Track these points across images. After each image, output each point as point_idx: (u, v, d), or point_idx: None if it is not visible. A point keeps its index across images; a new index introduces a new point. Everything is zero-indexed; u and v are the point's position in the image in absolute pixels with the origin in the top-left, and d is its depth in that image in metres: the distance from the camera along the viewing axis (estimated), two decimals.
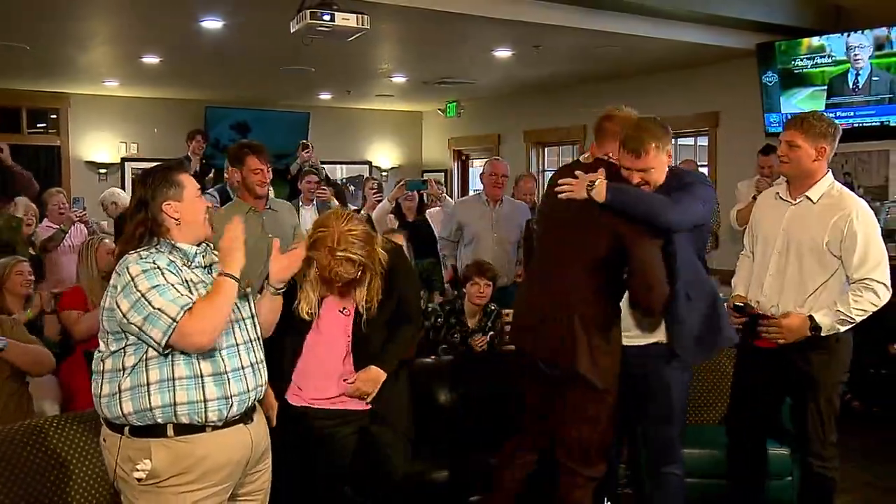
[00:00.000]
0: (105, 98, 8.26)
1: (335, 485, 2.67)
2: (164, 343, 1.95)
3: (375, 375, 2.60)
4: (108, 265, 3.87)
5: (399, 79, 7.62)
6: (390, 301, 2.58)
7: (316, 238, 2.41)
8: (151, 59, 6.42)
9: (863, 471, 4.02)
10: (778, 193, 2.97)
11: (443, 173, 9.95)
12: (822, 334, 2.69)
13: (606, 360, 2.58)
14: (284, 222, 3.74)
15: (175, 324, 1.93)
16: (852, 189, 5.60)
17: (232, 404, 2.05)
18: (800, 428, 2.89)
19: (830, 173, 2.87)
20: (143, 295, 1.95)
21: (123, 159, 8.44)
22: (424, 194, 6.02)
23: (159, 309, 1.94)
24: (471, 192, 9.13)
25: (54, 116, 8.28)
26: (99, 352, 2.08)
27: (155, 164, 2.28)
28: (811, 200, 2.84)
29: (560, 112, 7.97)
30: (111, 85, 7.80)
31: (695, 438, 3.45)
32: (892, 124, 5.35)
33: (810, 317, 2.72)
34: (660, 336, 2.73)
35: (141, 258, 2.02)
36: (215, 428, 2.04)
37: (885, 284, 2.70)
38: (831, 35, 5.52)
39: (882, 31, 5.24)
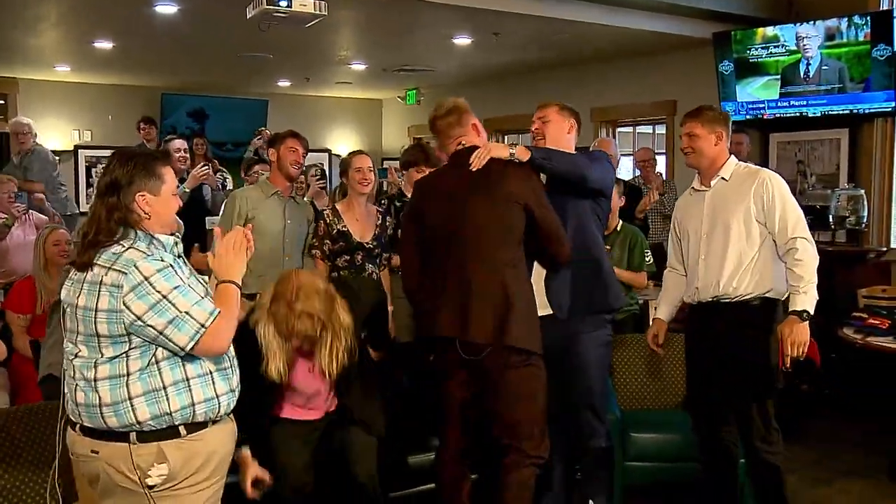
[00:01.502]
0: (56, 84, 8.02)
1: (301, 486, 2.61)
2: (189, 347, 1.90)
3: None
4: (55, 256, 3.76)
5: (358, 66, 7.58)
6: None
7: (276, 293, 2.39)
8: (103, 44, 6.24)
9: (809, 451, 4.11)
10: (693, 188, 3.08)
11: None
12: (810, 312, 2.70)
13: (536, 327, 2.63)
14: (304, 215, 3.82)
15: (204, 329, 1.89)
16: (805, 177, 5.86)
17: (235, 397, 2.07)
18: (743, 413, 2.92)
19: (734, 157, 2.99)
20: (164, 297, 1.88)
21: (77, 147, 8.22)
22: (384, 182, 5.94)
23: (187, 313, 1.89)
24: None
25: (2, 102, 8.02)
26: (82, 357, 1.95)
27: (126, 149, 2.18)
28: (724, 179, 2.96)
29: (519, 100, 7.96)
30: (62, 70, 7.58)
31: (660, 422, 3.53)
32: (842, 113, 5.42)
33: (791, 311, 2.72)
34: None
35: (147, 255, 1.92)
36: (215, 422, 2.03)
37: (808, 239, 2.80)
38: (784, 25, 5.58)
39: (833, 22, 5.31)
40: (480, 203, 2.61)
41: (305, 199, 4.97)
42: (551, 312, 2.79)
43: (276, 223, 3.61)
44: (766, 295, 2.87)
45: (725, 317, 2.90)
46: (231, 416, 2.11)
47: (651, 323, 3.23)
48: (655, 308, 3.29)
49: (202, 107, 8.48)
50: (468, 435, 2.73)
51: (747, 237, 2.87)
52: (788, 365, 2.73)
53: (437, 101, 2.87)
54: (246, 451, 2.38)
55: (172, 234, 2.07)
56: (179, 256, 2.07)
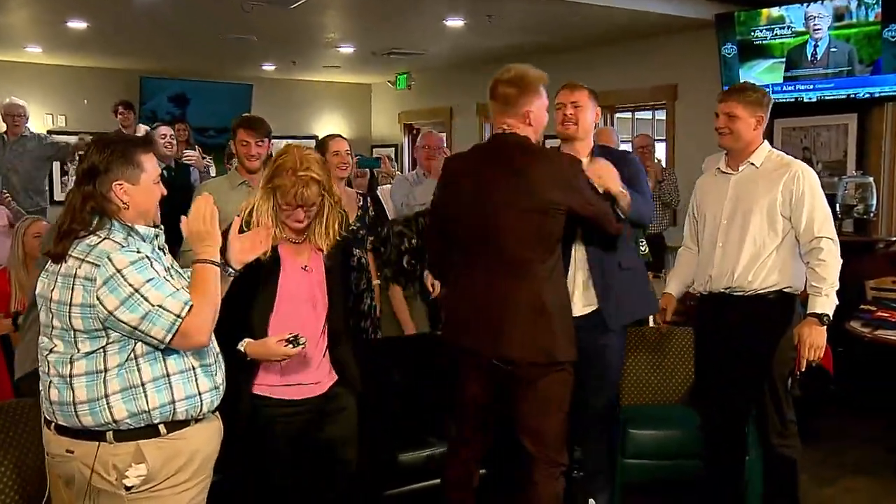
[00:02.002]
0: (27, 65, 7.89)
1: (284, 476, 2.54)
2: (168, 340, 1.88)
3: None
4: (35, 250, 3.68)
5: (346, 49, 7.52)
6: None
7: (277, 165, 2.37)
8: (77, 24, 6.13)
9: (814, 449, 4.03)
10: (718, 168, 3.02)
11: (393, 148, 9.91)
12: (830, 317, 2.70)
13: (572, 334, 2.57)
14: None
15: (180, 321, 1.86)
16: (811, 164, 5.78)
17: (219, 394, 2.05)
18: (758, 406, 2.92)
19: (767, 142, 2.94)
20: (136, 290, 1.84)
21: (50, 132, 8.04)
22: (376, 171, 5.89)
23: (160, 306, 1.85)
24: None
25: None
26: (57, 352, 1.92)
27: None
28: (754, 166, 2.91)
29: None
30: (33, 51, 7.46)
31: (659, 418, 3.51)
32: (850, 97, 5.39)
33: (810, 314, 2.70)
34: (594, 305, 2.85)
35: (122, 246, 1.89)
36: (198, 420, 2.00)
37: (834, 239, 2.78)
38: (791, 5, 5.54)
39: (842, 2, 5.26)
40: (517, 213, 2.45)
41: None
42: (581, 314, 2.78)
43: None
44: (783, 289, 2.85)
45: (739, 310, 2.87)
46: (216, 413, 2.08)
47: (660, 297, 3.18)
48: (665, 283, 3.26)
49: (183, 91, 8.41)
50: (487, 438, 2.69)
51: (769, 229, 2.84)
52: (803, 368, 2.72)
53: (510, 66, 2.59)
54: (250, 346, 2.32)
55: (155, 226, 2.03)
56: (161, 249, 2.03)
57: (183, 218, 2.06)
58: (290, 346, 2.25)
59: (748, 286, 2.86)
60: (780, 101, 5.62)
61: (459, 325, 2.58)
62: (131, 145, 1.98)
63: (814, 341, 2.69)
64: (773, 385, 2.88)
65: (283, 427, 2.46)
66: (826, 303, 2.70)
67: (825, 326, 2.69)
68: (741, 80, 5.78)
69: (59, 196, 7.37)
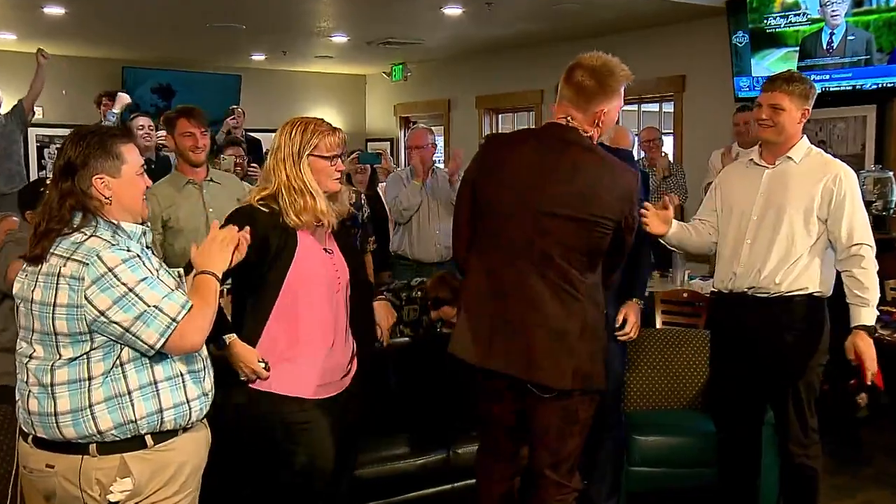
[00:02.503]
0: (1, 53, 7.81)
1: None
2: (159, 345, 1.86)
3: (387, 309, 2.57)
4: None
5: (340, 38, 7.49)
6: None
7: (298, 130, 2.37)
8: (54, 10, 6.07)
9: (829, 458, 3.90)
10: (752, 160, 2.96)
11: (388, 142, 9.88)
12: (876, 329, 2.74)
13: (605, 356, 2.47)
14: (231, 196, 3.53)
15: (175, 324, 1.85)
16: None
17: (209, 401, 2.05)
18: (780, 415, 2.90)
19: (806, 137, 2.91)
20: (131, 289, 1.83)
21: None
22: (377, 167, 5.82)
23: (155, 307, 1.84)
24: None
25: None
26: (37, 359, 1.89)
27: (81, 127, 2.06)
28: (793, 161, 2.85)
29: (515, 76, 7.90)
30: (8, 38, 7.39)
31: (667, 424, 3.48)
32: (869, 88, 5.33)
33: (859, 326, 2.69)
34: None
35: (112, 244, 1.87)
36: (186, 430, 1.99)
37: (873, 246, 2.77)
38: None
39: None
40: (568, 220, 2.29)
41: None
42: None
43: (197, 217, 3.42)
44: (812, 293, 2.81)
45: (763, 312, 2.83)
46: (204, 421, 2.07)
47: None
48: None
49: (168, 82, 8.37)
50: (518, 458, 2.57)
51: (804, 230, 2.80)
52: (869, 381, 2.72)
53: (599, 53, 2.42)
54: (236, 341, 2.32)
55: (142, 224, 2.02)
56: (148, 248, 2.03)
57: (193, 246, 2.10)
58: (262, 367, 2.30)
59: (774, 288, 2.81)
60: None
61: (483, 343, 2.37)
62: (109, 136, 1.95)
63: (872, 354, 2.68)
64: (798, 392, 2.83)
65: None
66: (872, 314, 2.70)
67: (872, 339, 2.69)
68: (752, 71, 5.80)
69: None
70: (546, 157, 2.34)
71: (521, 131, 2.64)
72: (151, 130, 5.30)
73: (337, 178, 2.43)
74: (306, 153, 2.36)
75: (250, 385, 2.36)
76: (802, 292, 2.80)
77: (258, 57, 8.63)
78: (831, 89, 5.46)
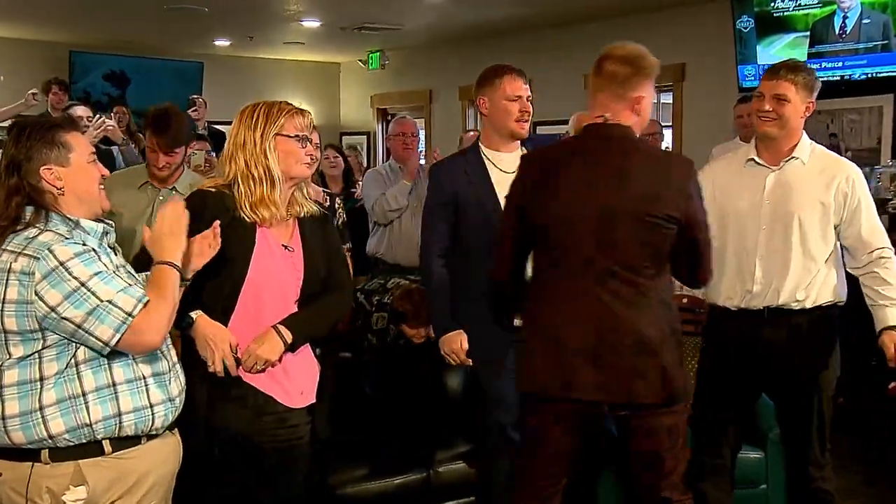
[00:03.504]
0: None
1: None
2: (114, 342, 1.88)
3: (275, 342, 2.34)
4: None
5: (311, 23, 7.44)
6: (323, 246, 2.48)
7: (262, 112, 2.32)
8: None
9: (845, 475, 3.93)
10: (751, 159, 2.88)
11: (365, 136, 9.87)
12: None
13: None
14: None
15: (130, 319, 1.88)
16: (838, 152, 5.69)
17: (175, 407, 2.06)
18: (798, 434, 2.88)
19: (805, 134, 2.87)
20: (83, 284, 1.86)
21: None
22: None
23: (109, 301, 1.87)
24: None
25: None
26: None
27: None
28: (801, 161, 2.80)
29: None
30: None
31: None
32: (885, 75, 5.31)
33: (889, 327, 2.69)
34: None
35: (65, 238, 1.91)
36: (150, 437, 2.00)
37: (891, 247, 2.77)
38: None
39: None
40: (632, 222, 2.30)
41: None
42: None
43: (136, 223, 3.22)
44: (836, 303, 2.82)
45: (781, 327, 2.79)
46: (174, 431, 2.08)
47: None
48: None
49: (122, 69, 8.31)
50: (568, 487, 2.55)
51: (822, 240, 2.77)
52: None
53: (624, 42, 2.48)
54: (202, 318, 2.28)
55: (103, 221, 2.05)
56: (112, 248, 2.05)
57: (146, 228, 2.12)
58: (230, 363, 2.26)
59: (796, 304, 2.78)
60: None
61: (562, 373, 2.36)
62: (51, 126, 2.00)
63: None
64: (821, 408, 2.82)
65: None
66: None
67: None
68: (758, 59, 5.79)
69: None
70: (594, 168, 2.36)
71: (561, 144, 2.64)
72: (90, 121, 5.16)
73: (307, 163, 2.35)
74: (272, 133, 2.29)
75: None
76: (824, 304, 2.78)
77: (222, 43, 8.56)
78: (844, 78, 5.45)
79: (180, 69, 8.54)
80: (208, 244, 2.20)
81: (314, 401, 2.45)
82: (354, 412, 3.31)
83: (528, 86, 2.96)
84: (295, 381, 2.39)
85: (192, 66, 8.60)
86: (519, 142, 3.03)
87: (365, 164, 7.90)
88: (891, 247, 2.75)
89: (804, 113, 2.75)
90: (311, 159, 2.38)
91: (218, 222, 2.20)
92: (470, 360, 2.96)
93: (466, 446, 3.43)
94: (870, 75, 5.36)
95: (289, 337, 2.33)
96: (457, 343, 2.93)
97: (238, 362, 2.26)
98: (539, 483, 2.51)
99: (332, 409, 2.72)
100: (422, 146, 8.32)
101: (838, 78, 5.48)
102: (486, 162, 2.97)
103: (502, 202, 2.70)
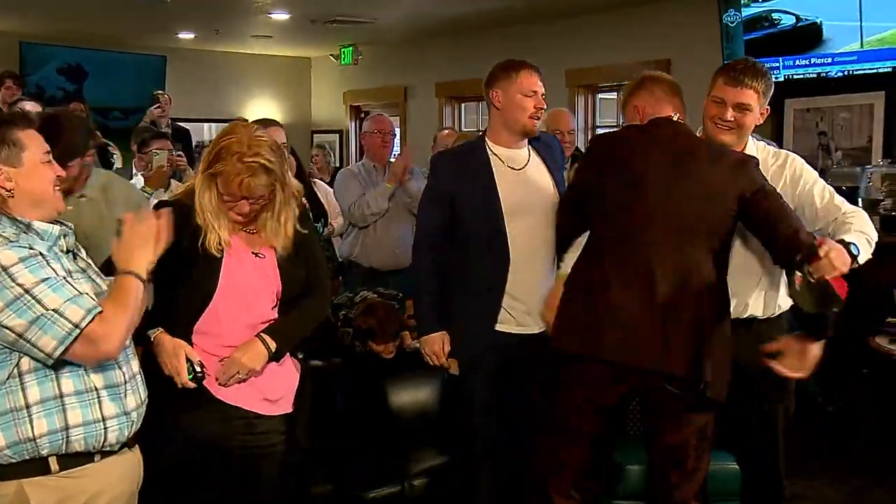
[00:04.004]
0: None
1: None
2: (58, 354, 1.86)
3: (258, 351, 2.43)
4: None
5: (280, 15, 7.42)
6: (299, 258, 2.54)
7: (220, 147, 2.38)
8: None
9: (833, 488, 4.04)
10: None
11: (337, 134, 9.87)
12: (858, 262, 2.56)
13: None
14: (112, 212, 3.19)
15: (78, 331, 1.86)
16: (828, 152, 5.77)
17: (132, 421, 2.03)
18: (762, 444, 2.93)
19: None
20: (27, 291, 1.84)
21: None
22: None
23: (55, 311, 1.85)
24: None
25: None
26: None
27: None
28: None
29: (481, 60, 7.60)
30: None
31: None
32: (877, 71, 5.34)
33: (843, 241, 2.52)
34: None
35: (10, 241, 1.89)
36: (104, 454, 1.97)
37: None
38: None
39: None
40: (690, 201, 2.54)
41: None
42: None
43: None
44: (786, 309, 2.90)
45: (750, 334, 2.80)
46: (135, 447, 2.06)
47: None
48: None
49: (79, 62, 8.22)
50: (595, 454, 2.74)
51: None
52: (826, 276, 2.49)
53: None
54: (161, 335, 2.35)
55: (60, 223, 2.05)
56: (69, 251, 2.04)
57: (114, 239, 2.10)
58: (191, 377, 2.31)
59: (764, 313, 2.86)
60: (793, 77, 5.66)
61: (595, 333, 2.57)
62: (3, 123, 1.98)
63: (846, 259, 2.43)
64: (787, 415, 2.92)
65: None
66: (858, 239, 2.53)
67: (848, 261, 2.47)
68: (745, 53, 5.77)
69: None
70: (666, 148, 2.59)
71: (627, 128, 2.84)
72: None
73: (238, 216, 2.40)
74: (210, 171, 2.37)
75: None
76: (780, 311, 2.88)
77: (186, 36, 8.51)
78: (833, 74, 5.48)
79: (141, 63, 8.49)
80: (153, 235, 2.13)
81: (290, 409, 2.49)
82: (326, 423, 3.31)
83: (542, 83, 3.05)
84: (271, 389, 2.46)
85: (154, 60, 8.55)
86: (526, 139, 3.08)
87: (336, 165, 7.86)
88: (856, 209, 2.72)
89: (759, 119, 2.77)
90: (243, 217, 2.41)
91: (165, 211, 2.21)
92: (448, 364, 3.01)
93: (441, 458, 3.43)
94: (860, 71, 5.39)
95: (273, 345, 2.42)
96: (438, 345, 2.98)
97: (200, 377, 2.32)
98: (575, 431, 2.69)
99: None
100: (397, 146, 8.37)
101: (827, 74, 5.52)
102: (492, 157, 3.02)
103: (504, 199, 2.93)
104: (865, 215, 2.69)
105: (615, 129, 2.98)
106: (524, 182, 3.00)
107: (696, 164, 2.56)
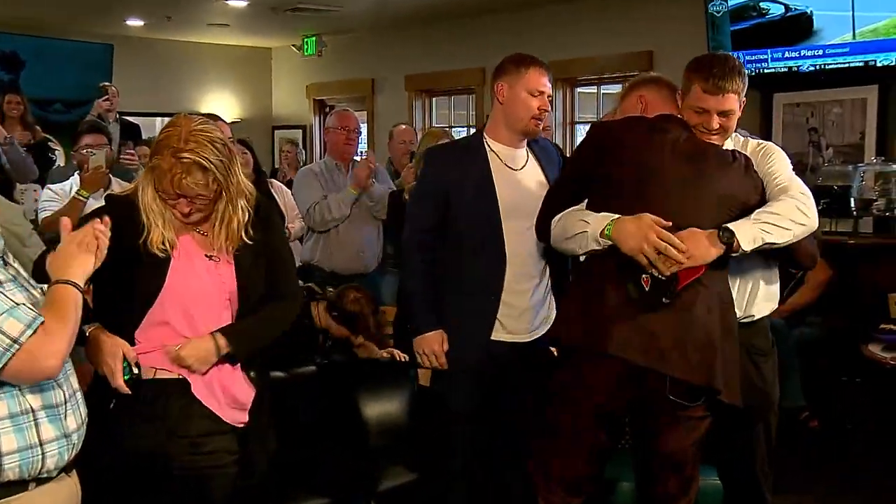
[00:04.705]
0: None
1: None
2: None
3: (205, 349, 2.40)
4: None
5: (237, 2, 7.41)
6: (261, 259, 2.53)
7: (159, 141, 2.36)
8: None
9: None
10: None
11: (300, 130, 9.84)
12: (745, 249, 2.56)
13: None
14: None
15: (17, 346, 1.82)
16: (819, 149, 5.83)
17: (72, 444, 2.00)
18: (743, 464, 2.94)
19: None
20: None
21: None
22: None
23: None
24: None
25: None
26: None
27: None
28: None
29: (452, 52, 7.91)
30: None
31: None
32: (871, 64, 5.37)
33: (721, 229, 2.52)
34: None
35: None
36: (40, 482, 1.94)
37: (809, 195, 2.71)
38: None
39: None
40: (704, 201, 2.60)
41: None
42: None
43: None
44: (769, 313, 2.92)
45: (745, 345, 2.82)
46: (72, 472, 2.04)
47: None
48: None
49: (15, 50, 8.12)
50: (593, 463, 2.74)
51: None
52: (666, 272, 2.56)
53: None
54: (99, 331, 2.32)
55: None
56: (1, 259, 2.00)
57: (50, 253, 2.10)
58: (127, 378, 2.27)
59: (758, 314, 2.86)
60: (781, 70, 5.72)
61: (600, 327, 2.57)
62: None
63: (696, 241, 2.52)
64: (769, 433, 2.94)
65: None
66: (752, 228, 2.52)
67: (720, 249, 2.52)
68: (732, 46, 5.84)
69: None
70: (679, 156, 2.64)
71: (633, 118, 2.81)
72: None
73: (184, 216, 2.38)
74: (149, 167, 2.35)
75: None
76: (769, 312, 2.90)
77: (135, 22, 8.43)
78: (825, 67, 5.52)
79: (85, 52, 8.39)
80: (87, 243, 2.11)
81: (242, 423, 2.46)
82: (289, 437, 3.24)
83: (551, 84, 3.08)
84: (233, 396, 2.45)
85: (99, 49, 8.44)
86: (526, 140, 3.10)
87: (304, 162, 7.84)
88: (806, 192, 2.70)
89: (740, 114, 2.81)
90: (187, 214, 2.38)
91: (106, 220, 2.17)
92: (446, 364, 3.04)
93: (411, 475, 3.43)
94: (852, 64, 5.42)
95: (223, 344, 2.38)
96: (437, 343, 3.02)
97: (135, 381, 2.29)
98: (573, 435, 2.68)
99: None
100: (364, 143, 8.34)
101: (818, 68, 5.57)
102: (490, 153, 3.05)
103: (501, 198, 2.98)
104: (794, 195, 2.65)
105: (616, 119, 2.93)
106: (521, 183, 3.03)
107: (707, 166, 2.62)
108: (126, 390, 2.27)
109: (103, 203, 2.52)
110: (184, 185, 2.30)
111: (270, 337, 2.55)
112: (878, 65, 5.35)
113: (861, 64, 5.41)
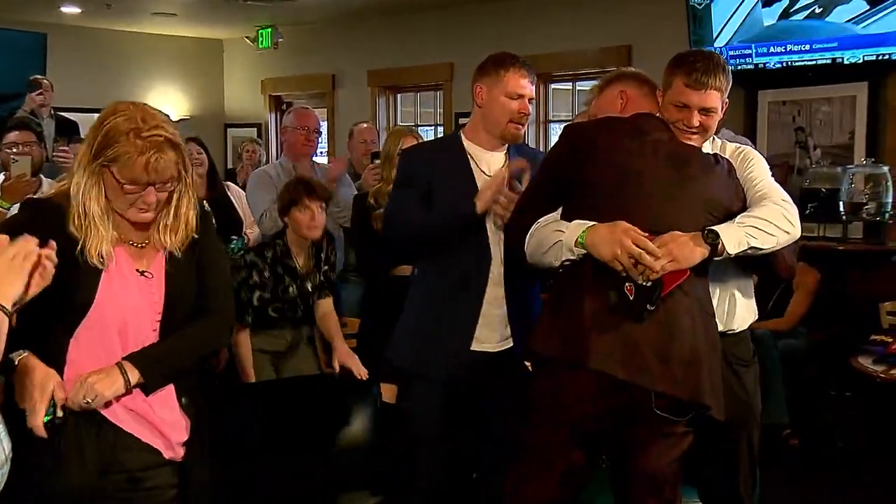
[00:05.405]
0: None
1: None
2: None
3: (111, 381, 2.32)
4: None
5: None
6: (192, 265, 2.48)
7: (108, 129, 2.26)
8: None
9: None
10: None
11: (255, 128, 9.83)
12: (729, 252, 2.58)
13: None
14: None
15: None
16: (806, 149, 5.89)
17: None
18: (725, 483, 2.98)
19: None
20: None
21: None
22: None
23: None
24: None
25: None
26: None
27: None
28: None
29: (418, 46, 7.92)
30: None
31: None
32: (860, 59, 5.42)
33: (706, 230, 2.55)
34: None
35: None
36: None
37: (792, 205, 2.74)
38: None
39: None
40: (689, 206, 2.62)
41: None
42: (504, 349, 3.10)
43: None
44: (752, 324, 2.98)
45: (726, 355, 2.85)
46: None
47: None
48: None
49: None
50: (568, 485, 2.72)
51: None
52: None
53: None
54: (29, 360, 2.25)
55: None
56: None
57: None
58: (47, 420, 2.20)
59: (738, 326, 2.90)
60: (767, 66, 5.77)
61: (580, 339, 2.57)
62: None
63: (679, 243, 2.53)
64: (752, 449, 2.97)
65: None
66: (737, 231, 2.55)
67: (705, 250, 2.55)
68: (714, 39, 5.91)
69: None
70: (661, 158, 2.66)
71: (610, 118, 2.83)
72: None
73: (143, 210, 2.32)
74: (100, 161, 2.27)
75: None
76: (752, 324, 2.94)
77: (70, 10, 8.36)
78: (813, 62, 5.58)
79: (16, 41, 8.30)
80: (39, 272, 2.05)
81: (179, 458, 2.41)
82: (239, 460, 3.22)
83: (533, 86, 3.10)
84: (168, 425, 2.40)
85: (31, 38, 8.37)
86: (506, 145, 3.12)
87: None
88: (789, 200, 2.72)
89: (722, 115, 2.82)
90: (149, 207, 2.32)
91: (53, 243, 2.09)
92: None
93: (376, 499, 3.41)
94: (841, 59, 5.48)
95: (132, 374, 2.30)
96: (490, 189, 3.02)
97: (56, 425, 2.21)
98: (551, 455, 2.68)
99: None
100: (325, 142, 8.32)
101: (806, 62, 5.62)
102: (469, 158, 3.08)
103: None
104: (778, 202, 2.68)
105: (590, 119, 2.96)
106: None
107: (692, 170, 2.65)
108: (42, 433, 2.17)
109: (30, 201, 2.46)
110: (160, 167, 2.24)
111: (192, 360, 2.49)
112: (869, 61, 5.39)
113: (850, 60, 5.46)
